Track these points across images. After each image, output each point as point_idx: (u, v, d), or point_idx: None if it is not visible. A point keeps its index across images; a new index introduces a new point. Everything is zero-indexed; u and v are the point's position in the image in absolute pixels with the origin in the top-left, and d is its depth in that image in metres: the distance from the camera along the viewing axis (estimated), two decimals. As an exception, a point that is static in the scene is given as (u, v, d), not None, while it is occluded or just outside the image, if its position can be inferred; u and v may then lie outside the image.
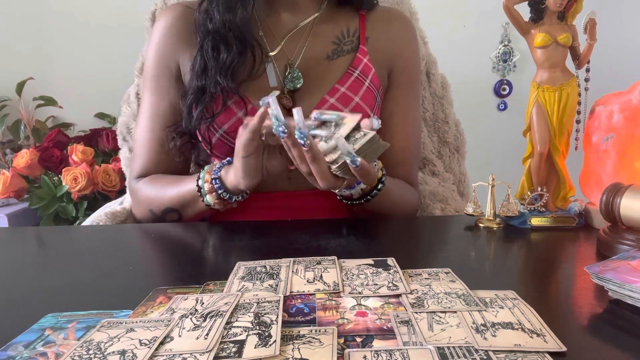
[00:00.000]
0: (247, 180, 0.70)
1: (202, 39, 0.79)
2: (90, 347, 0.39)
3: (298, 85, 0.82)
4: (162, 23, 0.86)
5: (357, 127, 0.60)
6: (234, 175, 0.71)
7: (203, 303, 0.46)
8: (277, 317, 0.43)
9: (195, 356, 0.37)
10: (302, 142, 0.59)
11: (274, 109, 0.59)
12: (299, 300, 0.47)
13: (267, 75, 0.81)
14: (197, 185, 0.75)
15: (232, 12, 0.77)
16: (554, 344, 0.38)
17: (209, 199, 0.74)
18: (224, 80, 0.77)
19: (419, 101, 0.98)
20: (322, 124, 0.63)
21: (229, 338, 0.40)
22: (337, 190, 0.74)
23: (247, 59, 0.79)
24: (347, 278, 0.52)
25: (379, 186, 0.75)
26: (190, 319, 0.43)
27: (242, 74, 0.79)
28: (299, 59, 0.83)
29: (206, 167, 0.76)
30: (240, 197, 0.75)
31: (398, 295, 0.48)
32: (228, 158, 0.76)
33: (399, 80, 0.89)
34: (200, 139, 0.84)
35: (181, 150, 0.83)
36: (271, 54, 0.83)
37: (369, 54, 0.86)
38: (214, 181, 0.73)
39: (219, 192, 0.73)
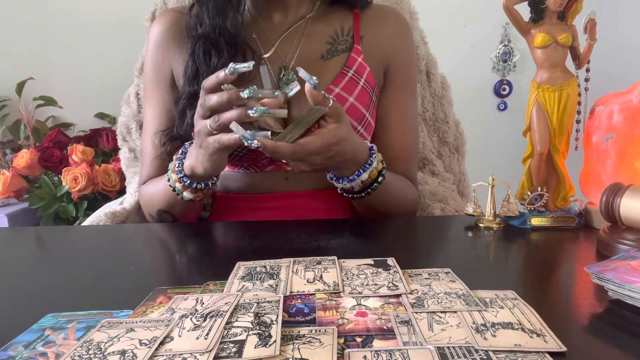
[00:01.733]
0: (218, 171, 0.73)
1: (194, 44, 0.79)
2: (90, 347, 0.39)
3: None
4: (154, 31, 0.86)
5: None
6: (202, 169, 0.71)
7: (203, 303, 0.46)
8: (277, 317, 0.43)
9: (195, 356, 0.37)
10: (254, 146, 0.63)
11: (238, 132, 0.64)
12: (299, 300, 0.47)
13: (261, 77, 0.82)
14: (170, 186, 0.75)
15: (223, 16, 0.77)
16: (554, 344, 0.38)
17: (187, 195, 0.75)
18: None
19: (416, 99, 0.98)
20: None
21: (229, 338, 0.40)
22: (337, 184, 0.74)
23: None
24: (347, 278, 0.52)
25: (379, 179, 0.75)
26: (190, 319, 0.43)
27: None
28: (293, 60, 0.83)
29: (170, 166, 0.76)
30: (214, 179, 0.75)
31: (398, 295, 0.48)
32: (182, 150, 0.75)
33: (394, 78, 0.89)
34: None
35: (172, 155, 0.83)
36: (265, 56, 0.83)
37: (364, 52, 0.86)
38: (181, 180, 0.73)
39: (192, 186, 0.73)
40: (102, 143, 1.71)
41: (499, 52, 2.17)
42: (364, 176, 0.73)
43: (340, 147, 0.68)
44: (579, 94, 0.72)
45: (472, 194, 0.76)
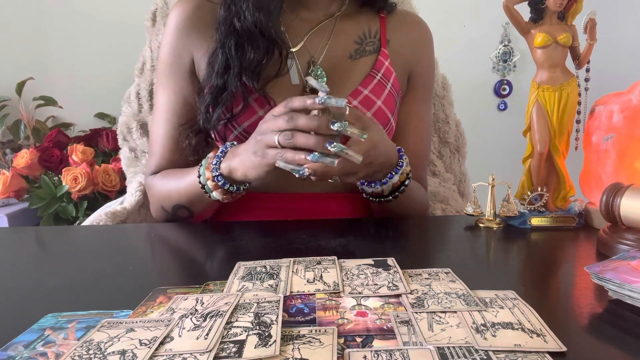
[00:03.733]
0: (257, 181, 0.70)
1: (224, 37, 0.76)
2: (90, 347, 0.39)
3: None
4: (175, 16, 0.83)
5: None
6: (242, 173, 0.70)
7: (203, 303, 0.46)
8: (277, 317, 0.43)
9: (195, 356, 0.37)
10: (306, 174, 0.64)
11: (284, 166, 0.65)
12: (299, 300, 0.47)
13: (289, 72, 0.79)
14: (200, 182, 0.74)
15: (264, 12, 0.74)
16: (554, 344, 0.38)
17: (216, 195, 0.73)
18: (249, 80, 0.74)
19: (432, 107, 0.99)
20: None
21: (229, 338, 0.40)
22: (369, 188, 0.74)
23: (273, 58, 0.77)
24: (347, 278, 0.52)
25: (406, 181, 0.75)
26: (190, 319, 0.43)
27: (267, 73, 0.76)
28: (321, 56, 0.82)
29: (203, 162, 0.74)
30: (247, 185, 0.74)
31: (398, 295, 0.48)
32: (222, 149, 0.74)
33: (416, 85, 0.89)
34: (217, 137, 0.81)
35: (196, 149, 0.81)
36: (293, 50, 0.81)
37: (390, 57, 0.85)
38: (216, 178, 0.72)
39: (225, 187, 0.72)
40: (102, 143, 1.71)
41: (499, 52, 2.17)
42: (396, 178, 0.73)
43: (377, 151, 0.67)
44: (579, 94, 0.72)
45: (472, 194, 0.76)
